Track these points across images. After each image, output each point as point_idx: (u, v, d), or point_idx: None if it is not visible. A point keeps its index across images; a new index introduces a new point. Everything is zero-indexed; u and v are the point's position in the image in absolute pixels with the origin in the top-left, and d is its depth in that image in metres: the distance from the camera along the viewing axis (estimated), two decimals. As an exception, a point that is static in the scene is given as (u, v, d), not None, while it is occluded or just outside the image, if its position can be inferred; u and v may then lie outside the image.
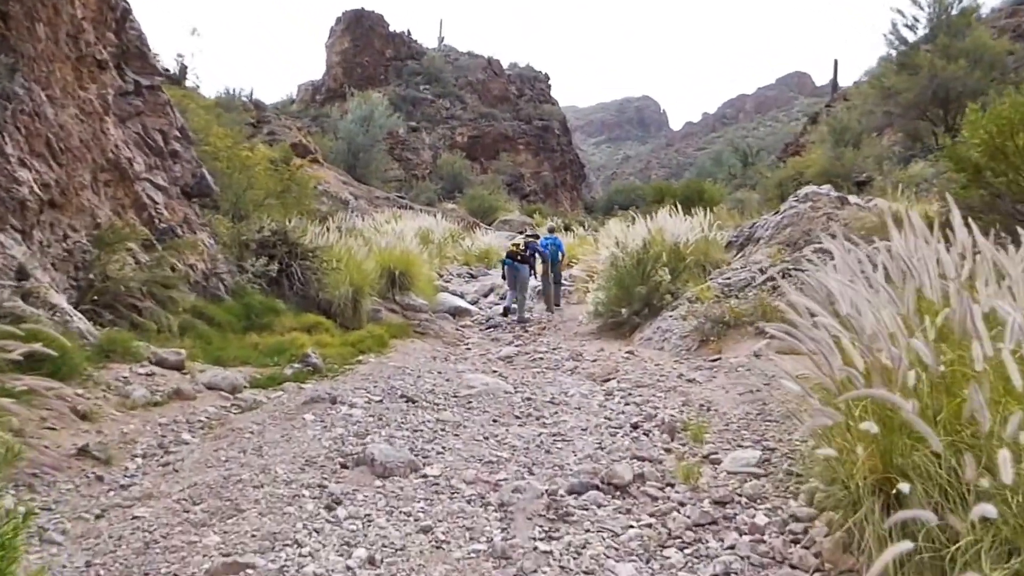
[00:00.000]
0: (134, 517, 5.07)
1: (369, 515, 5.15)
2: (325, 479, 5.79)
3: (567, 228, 45.30)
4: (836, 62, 54.12)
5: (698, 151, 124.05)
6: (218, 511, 5.11)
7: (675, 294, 14.04)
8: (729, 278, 13.92)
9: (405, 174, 58.04)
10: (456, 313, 17.71)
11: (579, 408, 8.59)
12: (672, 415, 7.86)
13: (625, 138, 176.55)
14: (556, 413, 8.35)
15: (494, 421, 8.03)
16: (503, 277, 18.72)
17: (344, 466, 6.11)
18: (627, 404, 8.62)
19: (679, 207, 16.41)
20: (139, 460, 6.44)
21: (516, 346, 14.32)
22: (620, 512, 5.33)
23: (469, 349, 14.36)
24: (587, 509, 5.35)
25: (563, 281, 20.48)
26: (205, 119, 20.20)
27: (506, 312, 17.89)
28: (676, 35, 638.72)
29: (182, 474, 6.05)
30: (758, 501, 5.43)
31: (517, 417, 8.24)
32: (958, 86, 28.03)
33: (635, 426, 7.59)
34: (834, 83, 51.89)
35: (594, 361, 12.05)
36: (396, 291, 16.73)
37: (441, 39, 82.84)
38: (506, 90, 77.49)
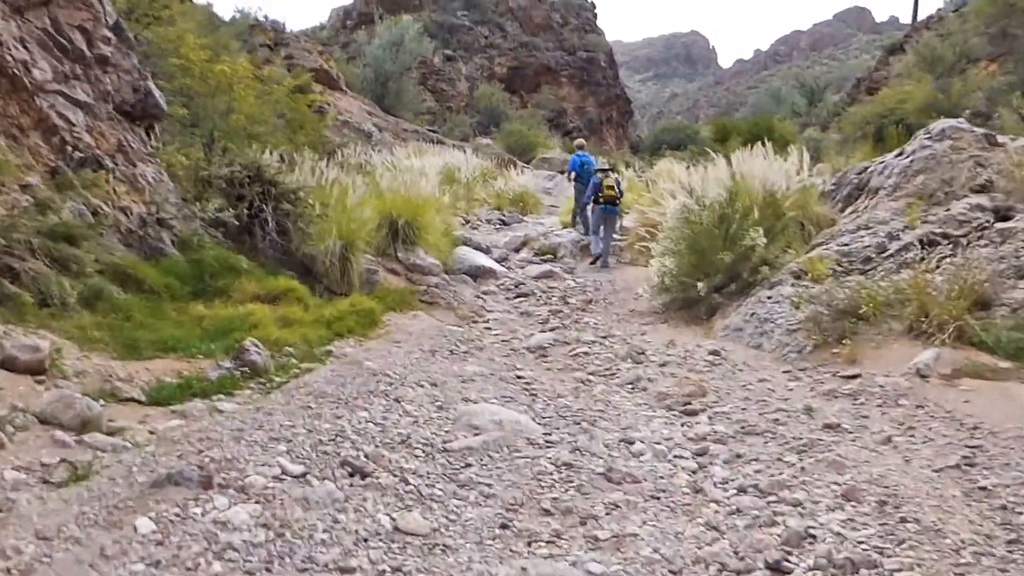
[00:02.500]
0: None
1: None
2: None
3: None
4: (919, -15, 49.76)
5: (749, 90, 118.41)
6: None
7: (772, 264, 10.28)
8: (847, 244, 10.15)
9: (439, 106, 53.81)
10: (478, 275, 13.94)
11: (656, 496, 4.86)
12: (839, 534, 4.14)
13: (672, 75, 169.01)
14: (615, 508, 4.65)
15: (503, 527, 4.36)
16: (585, 220, 17.23)
17: None
18: (740, 490, 4.90)
19: (766, 145, 12.48)
20: None
21: (552, 328, 10.63)
22: None
23: (489, 329, 10.68)
24: None
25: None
26: (181, 28, 16.44)
27: (596, 260, 15.54)
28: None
29: None
30: None
31: (545, 513, 4.56)
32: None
33: (776, 568, 3.87)
34: (915, 10, 47.12)
35: (663, 366, 8.33)
36: (399, 246, 12.97)
37: (482, -38, 78.07)
38: (549, 18, 72.18)
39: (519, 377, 7.95)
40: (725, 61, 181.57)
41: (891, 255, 9.45)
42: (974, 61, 28.53)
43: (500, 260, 15.52)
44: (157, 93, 11.82)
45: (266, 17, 39.20)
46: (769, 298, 9.45)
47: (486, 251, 15.72)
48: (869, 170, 12.45)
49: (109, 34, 10.95)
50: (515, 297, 12.90)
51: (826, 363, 7.80)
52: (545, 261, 15.66)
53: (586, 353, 9.09)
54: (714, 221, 10.73)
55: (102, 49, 10.72)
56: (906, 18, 73.61)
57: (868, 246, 9.83)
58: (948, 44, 29.41)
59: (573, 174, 18.48)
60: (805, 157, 12.29)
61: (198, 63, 14.18)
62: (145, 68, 14.83)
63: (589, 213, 16.44)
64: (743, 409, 6.58)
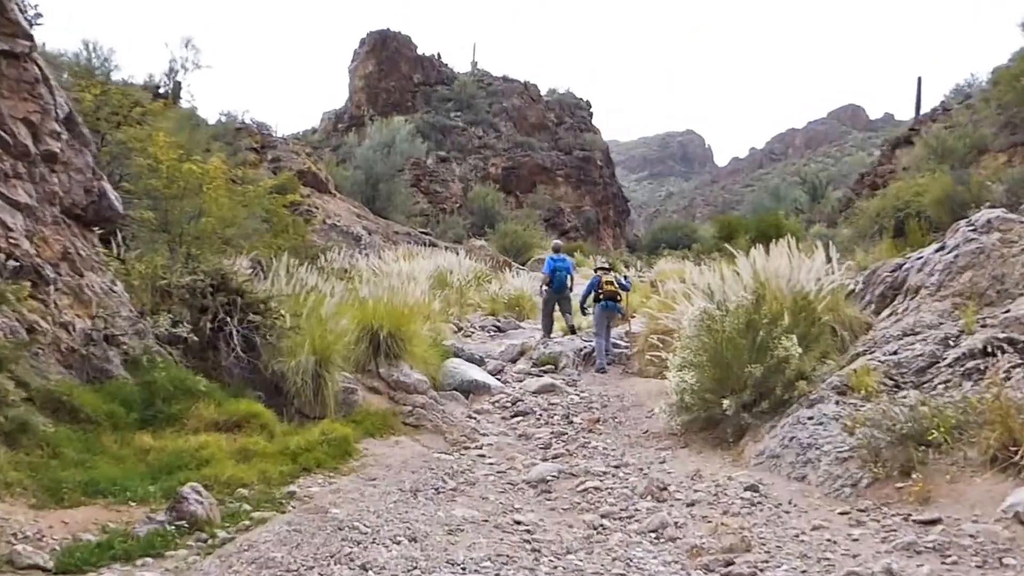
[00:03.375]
0: None
1: None
2: None
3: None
4: (920, 80, 48.18)
5: (745, 188, 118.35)
6: None
7: (809, 378, 8.91)
8: (895, 352, 8.80)
9: (432, 208, 53.03)
10: (470, 390, 12.52)
11: None
12: None
13: (668, 174, 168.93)
14: None
15: None
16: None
17: None
18: None
19: (789, 241, 11.26)
20: None
21: (555, 454, 9.26)
22: None
23: (483, 456, 9.28)
24: None
25: (614, 339, 15.60)
26: (154, 127, 15.36)
27: (601, 370, 14.39)
28: (722, 67, 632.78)
29: None
30: None
31: None
32: None
33: None
34: (917, 104, 46.09)
35: (691, 506, 6.92)
36: (381, 360, 11.57)
37: (474, 63, 77.80)
38: (544, 117, 72.19)
39: (518, 523, 6.56)
40: (721, 159, 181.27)
41: (949, 365, 8.10)
42: (984, 152, 27.66)
43: (495, 373, 14.12)
44: (113, 195, 10.56)
45: (252, 120, 38.47)
46: (810, 419, 8.05)
47: (479, 363, 14.30)
48: (905, 267, 11.16)
49: (59, 128, 9.71)
50: (512, 416, 11.48)
51: (891, 501, 6.38)
52: (545, 372, 14.24)
53: (597, 488, 7.66)
54: (739, 328, 9.36)
55: (50, 145, 9.48)
56: (900, 115, 73.41)
57: (920, 355, 8.48)
58: (957, 136, 28.55)
59: (548, 277, 17.35)
60: (834, 254, 11.02)
61: (166, 162, 13.05)
62: (114, 170, 13.77)
63: (588, 313, 15.72)
64: (803, 572, 5.17)
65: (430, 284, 18.95)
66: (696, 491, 7.30)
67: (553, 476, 8.14)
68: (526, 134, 69.42)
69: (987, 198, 20.66)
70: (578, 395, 12.56)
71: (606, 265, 16.95)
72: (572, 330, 17.08)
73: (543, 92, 76.57)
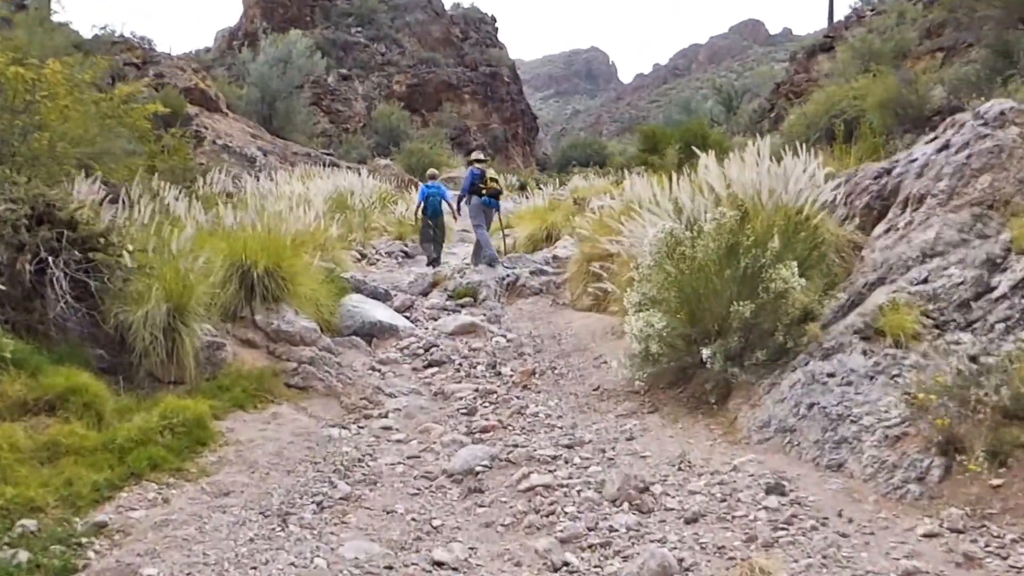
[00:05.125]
0: None
1: None
2: None
3: (522, 187, 38.24)
4: (833, -15, 46.17)
5: (651, 103, 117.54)
6: None
7: (816, 317, 6.84)
8: (924, 280, 6.72)
9: (335, 128, 50.38)
10: (374, 334, 10.24)
11: None
12: None
13: (573, 92, 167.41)
14: None
15: None
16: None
17: None
18: None
19: (761, 149, 9.13)
20: None
21: (483, 427, 6.99)
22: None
23: (388, 430, 7.04)
24: None
25: (540, 264, 13.74)
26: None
27: (492, 260, 14.40)
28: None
29: None
30: None
31: None
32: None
33: None
34: (831, 11, 44.37)
35: (693, 523, 4.71)
36: (257, 304, 9.16)
37: (376, -24, 74.83)
38: (449, 33, 69.69)
39: (438, 565, 4.35)
40: (625, 76, 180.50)
41: (1005, 296, 6.07)
42: (905, 56, 26.46)
43: (404, 310, 11.78)
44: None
45: (132, 33, 35.14)
46: (831, 376, 5.94)
47: (385, 298, 11.95)
48: (895, 172, 9.07)
49: None
50: (425, 367, 9.19)
51: (992, 511, 4.31)
52: (462, 307, 12.00)
53: (547, 486, 5.38)
54: (719, 255, 7.16)
55: None
56: (798, 29, 72.22)
57: (960, 283, 6.42)
58: (884, 39, 27.34)
59: (422, 204, 16.69)
60: (813, 160, 8.88)
61: (-10, 66, 10.56)
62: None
63: (464, 205, 15.67)
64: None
65: (328, 207, 16.64)
66: (693, 492, 5.09)
67: (484, 466, 5.87)
68: (431, 50, 66.93)
69: (932, 100, 18.95)
70: (504, 336, 10.33)
71: (482, 158, 16.77)
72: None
73: (447, 6, 74.24)
